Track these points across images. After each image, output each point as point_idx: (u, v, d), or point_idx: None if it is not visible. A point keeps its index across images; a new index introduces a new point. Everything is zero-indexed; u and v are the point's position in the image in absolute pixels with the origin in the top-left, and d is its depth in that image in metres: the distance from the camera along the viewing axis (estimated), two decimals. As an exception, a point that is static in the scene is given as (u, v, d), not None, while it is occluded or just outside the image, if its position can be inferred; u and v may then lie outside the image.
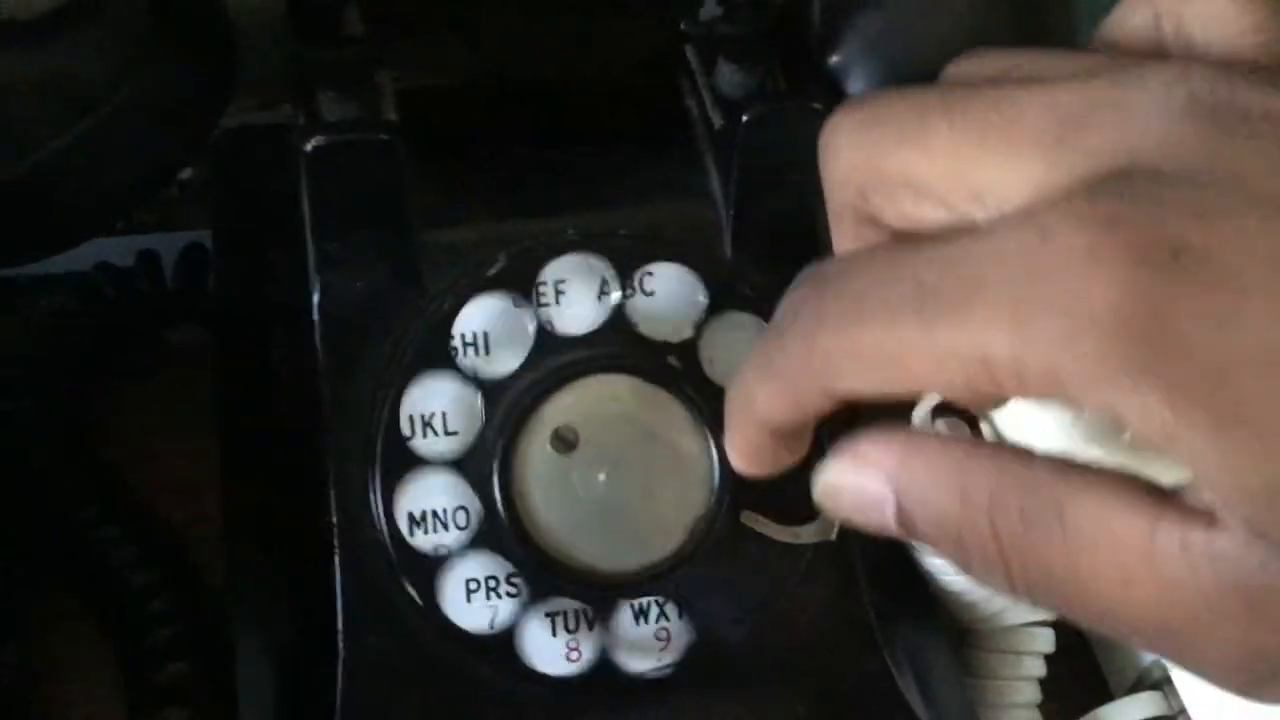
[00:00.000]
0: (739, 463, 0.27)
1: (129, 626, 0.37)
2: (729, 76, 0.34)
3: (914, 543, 0.37)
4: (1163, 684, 0.38)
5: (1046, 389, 0.20)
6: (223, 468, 0.38)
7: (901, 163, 0.23)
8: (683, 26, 0.36)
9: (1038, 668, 0.38)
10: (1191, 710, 0.37)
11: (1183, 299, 0.19)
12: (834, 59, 0.36)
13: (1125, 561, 0.21)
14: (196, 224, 0.47)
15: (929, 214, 0.23)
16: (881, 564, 0.36)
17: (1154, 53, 0.24)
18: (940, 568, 0.36)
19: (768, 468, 0.27)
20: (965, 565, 0.23)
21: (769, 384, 0.24)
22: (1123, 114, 0.20)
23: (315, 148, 0.31)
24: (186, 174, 0.46)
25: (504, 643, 0.33)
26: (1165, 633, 0.21)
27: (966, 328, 0.20)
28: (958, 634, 0.38)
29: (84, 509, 0.38)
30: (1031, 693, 0.38)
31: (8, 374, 0.40)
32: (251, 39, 0.36)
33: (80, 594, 0.38)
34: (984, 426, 0.36)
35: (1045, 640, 0.38)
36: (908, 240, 0.23)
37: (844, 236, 0.26)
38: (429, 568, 0.32)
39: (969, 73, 0.24)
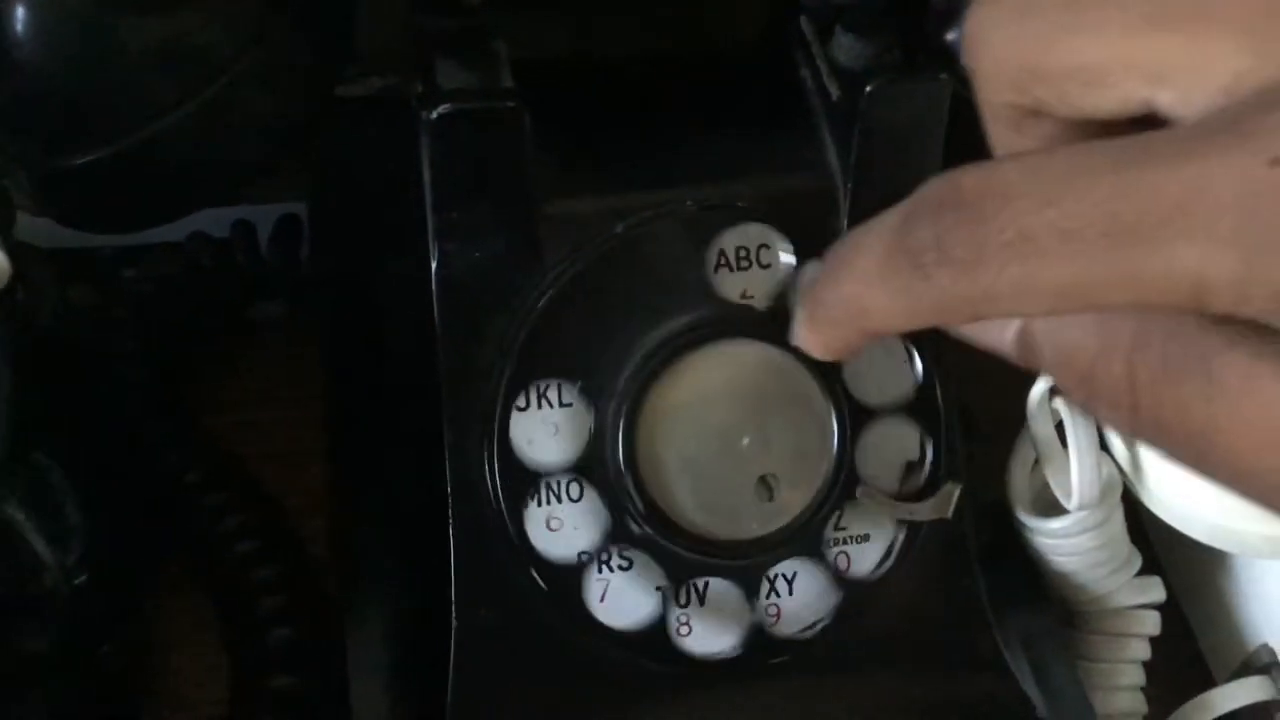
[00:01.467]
0: (814, 350, 0.25)
1: (234, 595, 0.37)
2: (847, 48, 0.34)
3: (1025, 522, 0.36)
4: (1270, 668, 0.37)
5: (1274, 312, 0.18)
6: (330, 438, 0.38)
7: (1068, 51, 0.21)
8: (797, -3, 0.36)
9: (1143, 650, 0.37)
10: (1303, 696, 0.37)
11: None
12: (952, 35, 0.35)
13: (1271, 422, 0.20)
14: (280, 197, 0.47)
15: (1103, 102, 0.21)
16: (992, 544, 0.36)
17: None
18: (1050, 548, 0.36)
19: (839, 357, 0.25)
20: (1086, 401, 0.22)
21: (895, 302, 0.22)
22: None
23: (440, 115, 0.31)
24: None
25: (615, 613, 0.33)
26: None
27: (1178, 259, 0.18)
28: (1064, 616, 0.38)
29: (187, 478, 0.39)
30: (1136, 675, 0.37)
31: (111, 341, 0.40)
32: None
33: (185, 563, 0.39)
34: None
35: (1151, 623, 0.37)
36: (1084, 144, 0.20)
37: (1002, 135, 0.23)
38: (543, 539, 0.32)
39: None
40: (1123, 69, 0.20)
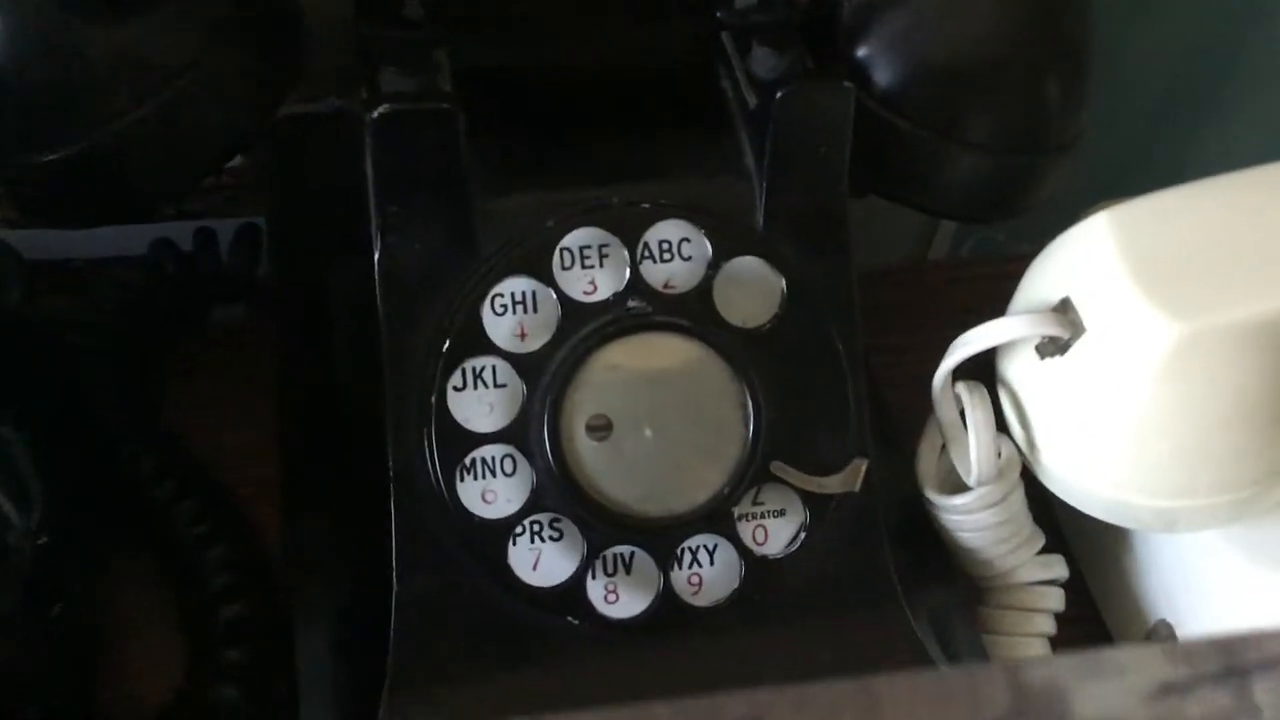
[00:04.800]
0: None
1: (188, 574, 0.39)
2: (763, 60, 0.37)
3: (932, 500, 0.39)
4: (1168, 642, 0.40)
5: None
6: (282, 429, 0.41)
7: None
8: (719, 15, 0.38)
9: (1048, 625, 0.40)
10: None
11: None
12: (861, 51, 0.38)
13: None
14: (242, 212, 0.49)
15: None
16: (902, 519, 0.38)
17: None
18: (955, 524, 0.38)
19: None
20: None
21: None
22: None
23: (380, 115, 0.34)
24: (235, 161, 0.49)
25: (543, 580, 0.35)
26: None
27: None
28: (972, 592, 0.40)
29: (144, 466, 0.41)
30: (1041, 649, 0.40)
31: (78, 338, 0.42)
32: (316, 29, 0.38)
33: (142, 550, 0.41)
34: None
35: (1055, 599, 0.40)
36: None
37: None
38: (479, 512, 0.35)
39: None
40: None
